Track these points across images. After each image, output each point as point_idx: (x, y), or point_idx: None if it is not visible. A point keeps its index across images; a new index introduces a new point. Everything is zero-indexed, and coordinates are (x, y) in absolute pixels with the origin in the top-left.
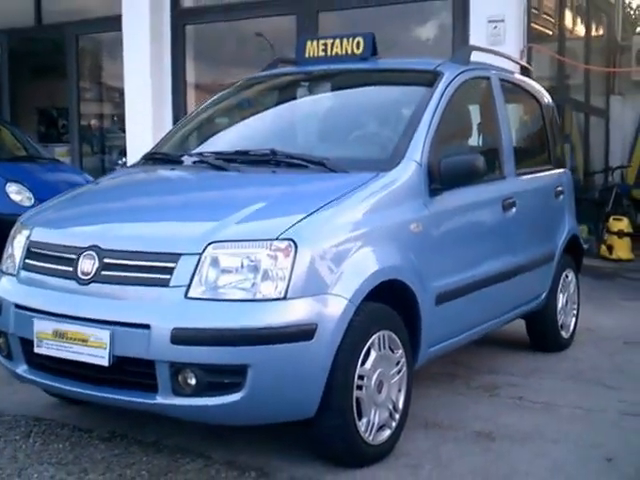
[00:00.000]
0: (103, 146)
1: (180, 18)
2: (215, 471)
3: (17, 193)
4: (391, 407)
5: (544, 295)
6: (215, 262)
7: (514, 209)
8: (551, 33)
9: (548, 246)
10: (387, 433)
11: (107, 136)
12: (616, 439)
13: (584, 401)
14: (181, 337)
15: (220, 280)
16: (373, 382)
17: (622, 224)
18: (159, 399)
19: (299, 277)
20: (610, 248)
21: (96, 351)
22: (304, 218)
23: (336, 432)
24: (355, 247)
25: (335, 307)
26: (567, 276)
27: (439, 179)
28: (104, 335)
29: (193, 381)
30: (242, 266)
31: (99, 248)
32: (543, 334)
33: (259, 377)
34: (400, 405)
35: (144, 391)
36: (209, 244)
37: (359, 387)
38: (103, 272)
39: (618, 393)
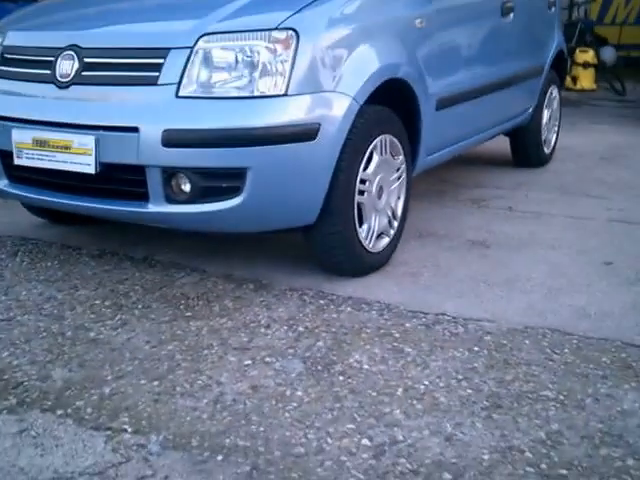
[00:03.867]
0: None
1: None
2: (212, 284)
3: None
4: (390, 214)
5: (531, 110)
6: (208, 56)
7: (512, 15)
8: None
9: (539, 58)
10: (386, 241)
11: None
12: (610, 244)
13: (573, 210)
14: (173, 139)
15: (214, 76)
16: (374, 187)
17: (588, 56)
18: (151, 207)
19: (301, 71)
20: (574, 79)
21: (81, 158)
22: (305, 7)
23: (337, 238)
24: (359, 41)
25: (339, 105)
26: (552, 92)
27: None
28: (88, 141)
29: (187, 187)
30: (238, 60)
31: (78, 47)
32: (526, 149)
33: (259, 180)
34: (399, 212)
35: (135, 200)
36: (201, 36)
37: (361, 192)
38: (84, 73)
39: (603, 202)
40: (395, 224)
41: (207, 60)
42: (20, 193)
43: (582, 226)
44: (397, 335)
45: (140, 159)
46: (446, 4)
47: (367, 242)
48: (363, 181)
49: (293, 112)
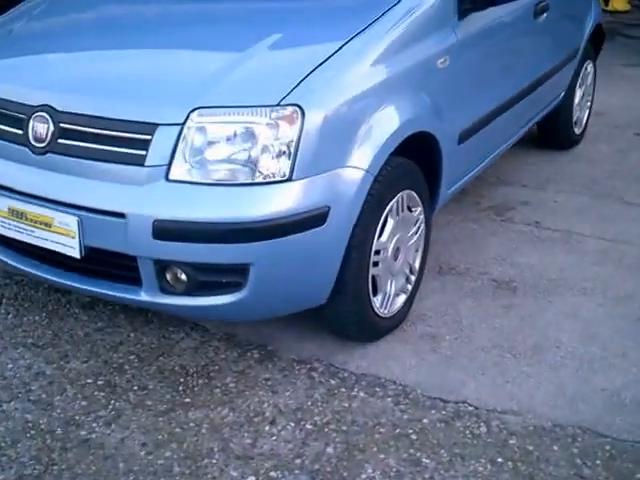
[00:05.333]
0: None
1: None
2: (213, 351)
3: None
4: (408, 271)
5: (562, 94)
6: (200, 135)
7: (545, 14)
8: None
9: (574, 43)
10: (402, 299)
11: None
12: None
13: (606, 227)
14: (165, 231)
15: (208, 159)
16: (390, 252)
17: None
18: (144, 296)
19: (307, 152)
20: (607, 0)
21: (64, 239)
22: (309, 74)
23: (349, 315)
24: (373, 104)
25: (351, 182)
26: (586, 68)
27: None
28: (71, 221)
29: (183, 280)
30: (235, 140)
31: (52, 109)
32: (555, 132)
33: (263, 275)
34: (417, 265)
35: (127, 284)
36: (192, 111)
37: (375, 263)
38: (60, 140)
39: (638, 212)
40: (413, 278)
41: (200, 139)
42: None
43: (617, 256)
44: (414, 437)
45: (129, 249)
46: (472, 30)
47: (382, 310)
48: (378, 251)
49: (299, 199)
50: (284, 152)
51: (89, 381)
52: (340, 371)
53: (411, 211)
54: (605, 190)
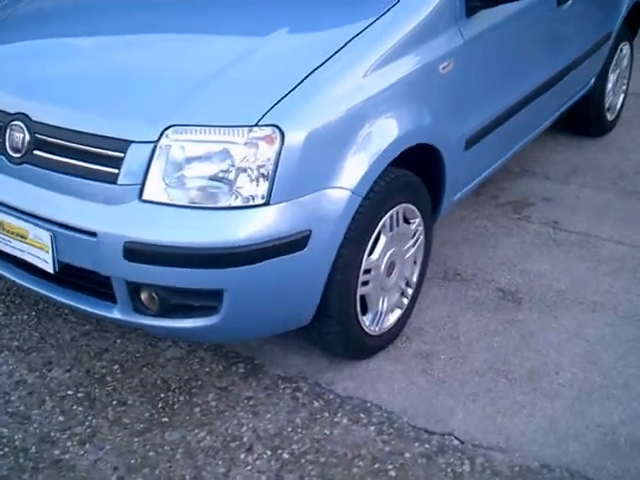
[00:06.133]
0: None
1: None
2: (198, 363)
3: None
4: (403, 285)
5: (593, 80)
6: (175, 154)
7: (571, 0)
8: None
9: (606, 27)
10: (397, 314)
11: None
12: None
13: (628, 230)
14: (136, 253)
15: (182, 179)
16: (382, 269)
17: None
18: (117, 314)
19: (286, 173)
20: None
21: (38, 252)
22: (291, 92)
23: (334, 337)
24: (363, 120)
25: (335, 204)
26: (622, 50)
27: None
28: (44, 236)
29: (156, 302)
30: (211, 161)
31: (28, 118)
32: (585, 119)
33: (238, 300)
34: (414, 278)
35: (102, 299)
36: (166, 129)
37: (364, 282)
38: (36, 152)
39: None
40: (410, 292)
41: (174, 159)
42: None
43: (634, 265)
44: (393, 474)
45: (100, 268)
46: (482, 28)
47: (372, 328)
48: (368, 270)
49: (277, 224)
50: (262, 175)
51: (69, 393)
52: (326, 392)
53: (409, 223)
54: (632, 186)
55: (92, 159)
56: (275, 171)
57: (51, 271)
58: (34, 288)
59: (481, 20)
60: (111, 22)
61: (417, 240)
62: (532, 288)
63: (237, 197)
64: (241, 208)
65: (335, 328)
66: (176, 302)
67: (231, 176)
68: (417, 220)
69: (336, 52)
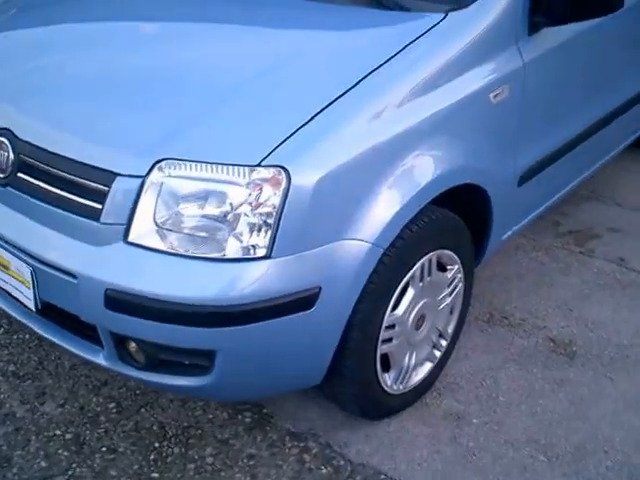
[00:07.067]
0: None
1: None
2: (201, 408)
3: None
4: (435, 338)
5: None
6: (166, 193)
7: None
8: None
9: None
10: (427, 368)
11: None
12: None
13: None
14: (118, 302)
15: (171, 223)
16: (409, 324)
17: None
18: (103, 361)
19: (292, 223)
20: None
21: (21, 286)
22: (307, 122)
23: (350, 397)
24: (391, 157)
25: (351, 258)
26: None
27: (546, 8)
28: (25, 270)
29: (142, 356)
30: (205, 203)
31: (12, 135)
32: None
33: (232, 361)
34: (450, 329)
35: (88, 340)
36: (157, 162)
37: (387, 339)
38: (20, 174)
39: None
40: (443, 344)
41: (164, 198)
42: None
43: None
44: None
45: (81, 314)
46: (547, 47)
47: (395, 386)
48: (391, 326)
49: (280, 280)
50: (264, 222)
51: (57, 433)
52: (336, 456)
53: (445, 270)
54: None
55: (75, 190)
56: (279, 219)
57: (33, 308)
58: (17, 317)
59: (545, 38)
60: (111, 41)
61: (455, 288)
62: (588, 340)
63: (233, 247)
64: (237, 261)
65: (350, 389)
66: (163, 358)
67: (228, 222)
68: (455, 267)
69: (360, 80)
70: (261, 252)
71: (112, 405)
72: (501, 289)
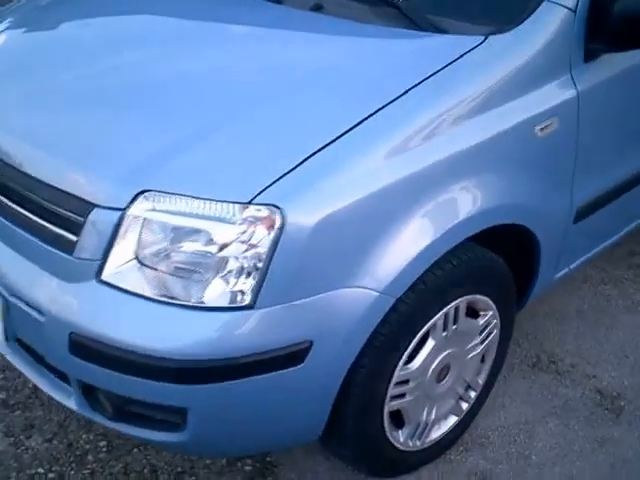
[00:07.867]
0: None
1: None
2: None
3: None
4: (461, 390)
5: None
6: (146, 228)
7: None
8: None
9: None
10: (452, 421)
11: None
12: None
13: None
14: (82, 348)
15: (152, 262)
16: (428, 378)
17: None
18: (74, 405)
19: (283, 269)
20: None
21: None
22: (307, 158)
23: (355, 457)
24: (409, 197)
25: (352, 308)
26: None
27: (607, 32)
28: None
29: (110, 406)
30: (186, 242)
31: None
32: None
33: (206, 420)
34: (481, 380)
35: (60, 379)
36: (139, 194)
37: (399, 395)
38: (1, 198)
39: None
40: (472, 395)
41: (144, 234)
42: None
43: None
44: None
45: (46, 355)
46: (599, 78)
47: (412, 442)
48: (404, 381)
49: (261, 335)
50: (253, 267)
51: (40, 471)
52: None
53: (477, 316)
54: None
55: (50, 218)
56: (268, 266)
57: (2, 339)
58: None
59: (603, 66)
60: (96, 62)
61: (488, 336)
62: (637, 394)
63: (214, 293)
64: (215, 310)
65: (352, 448)
66: (132, 411)
67: (208, 266)
68: (490, 312)
69: (378, 109)
70: (244, 301)
71: (103, 443)
72: (556, 328)
